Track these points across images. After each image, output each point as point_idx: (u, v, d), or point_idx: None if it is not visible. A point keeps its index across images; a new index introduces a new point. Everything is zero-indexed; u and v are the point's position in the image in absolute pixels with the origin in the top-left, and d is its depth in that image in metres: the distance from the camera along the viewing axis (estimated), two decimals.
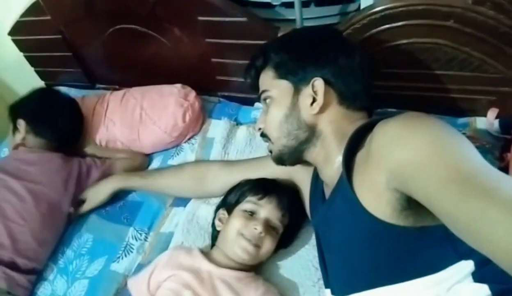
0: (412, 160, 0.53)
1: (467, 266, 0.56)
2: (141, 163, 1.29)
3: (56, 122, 1.21)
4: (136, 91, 1.37)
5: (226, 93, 1.39)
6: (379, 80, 1.09)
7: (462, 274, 0.57)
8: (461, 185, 0.47)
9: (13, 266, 1.00)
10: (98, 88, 1.59)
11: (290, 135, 0.77)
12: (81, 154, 1.29)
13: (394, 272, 0.62)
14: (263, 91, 0.80)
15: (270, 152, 0.84)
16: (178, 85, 1.33)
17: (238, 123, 1.30)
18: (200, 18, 1.16)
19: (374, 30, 0.98)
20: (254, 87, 0.85)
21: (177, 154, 1.28)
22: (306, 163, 0.83)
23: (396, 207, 0.58)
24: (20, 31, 1.49)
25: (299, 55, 0.79)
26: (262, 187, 0.90)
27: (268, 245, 0.85)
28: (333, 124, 0.75)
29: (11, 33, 1.50)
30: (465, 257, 0.56)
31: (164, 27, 1.25)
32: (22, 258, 1.02)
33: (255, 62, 0.84)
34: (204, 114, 1.34)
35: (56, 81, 1.64)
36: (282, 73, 0.78)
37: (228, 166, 1.07)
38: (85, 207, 1.15)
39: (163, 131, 1.27)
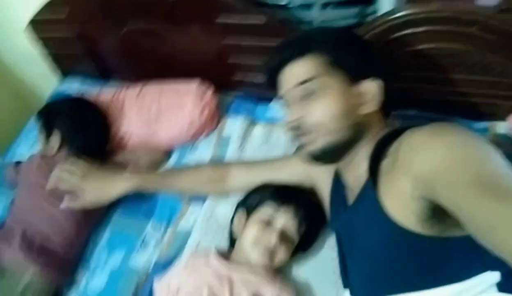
0: (437, 166, 0.55)
1: (492, 277, 0.57)
2: (161, 159, 1.30)
3: (90, 139, 1.22)
4: (152, 88, 1.38)
5: (242, 91, 1.39)
6: (400, 82, 1.10)
7: (487, 284, 0.58)
8: (482, 189, 0.49)
9: (63, 265, 1.05)
10: (112, 83, 1.59)
11: (340, 132, 0.73)
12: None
13: (417, 280, 0.63)
14: (310, 78, 0.73)
15: (303, 146, 0.77)
16: (195, 83, 1.34)
17: (255, 121, 1.31)
18: (219, 18, 1.16)
19: (395, 35, 0.99)
20: (276, 71, 0.79)
21: (193, 151, 1.29)
22: (329, 164, 0.82)
23: (421, 216, 0.59)
24: (37, 28, 1.49)
25: (358, 50, 0.78)
26: (281, 195, 0.91)
27: (282, 254, 0.87)
28: (372, 128, 0.75)
29: (27, 29, 1.51)
30: (492, 268, 0.57)
31: (182, 27, 1.25)
32: (69, 258, 1.07)
33: (296, 44, 0.77)
34: (221, 112, 1.35)
35: (70, 75, 1.65)
36: (338, 63, 0.73)
37: (247, 167, 1.07)
38: (81, 204, 1.06)
39: (179, 129, 1.28)
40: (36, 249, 1.01)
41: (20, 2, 1.49)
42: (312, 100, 0.73)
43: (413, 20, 0.94)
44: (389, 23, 0.97)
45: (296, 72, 0.75)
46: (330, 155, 0.75)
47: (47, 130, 1.21)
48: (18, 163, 1.27)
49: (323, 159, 0.77)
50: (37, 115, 1.25)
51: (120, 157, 1.30)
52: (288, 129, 0.79)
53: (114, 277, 1.04)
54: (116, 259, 1.07)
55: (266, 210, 0.90)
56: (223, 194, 1.09)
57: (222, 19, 1.16)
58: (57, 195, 1.07)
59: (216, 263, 0.88)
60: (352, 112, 0.73)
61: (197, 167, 1.16)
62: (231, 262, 0.89)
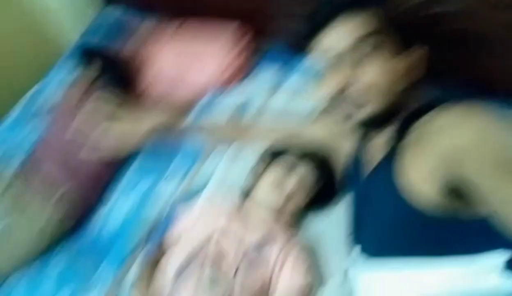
0: (466, 145, 0.57)
1: (501, 255, 0.60)
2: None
3: (122, 75, 1.28)
4: (190, 27, 1.38)
5: (280, 39, 1.37)
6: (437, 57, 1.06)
7: (492, 265, 0.61)
8: (506, 169, 0.53)
9: (96, 181, 1.14)
10: (152, 18, 1.59)
11: (398, 98, 0.69)
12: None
13: (426, 249, 0.66)
14: (374, 33, 0.67)
15: (358, 109, 0.70)
16: (232, 27, 1.33)
17: (289, 73, 1.30)
18: None
19: (433, 11, 0.94)
20: (324, 22, 0.71)
21: (223, 97, 1.29)
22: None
23: (440, 193, 0.60)
24: None
25: (411, 14, 0.78)
26: (303, 149, 0.95)
27: (296, 201, 0.91)
28: (412, 97, 0.73)
29: None
30: (504, 246, 0.60)
31: None
32: (104, 174, 1.16)
33: None
34: (256, 59, 1.34)
35: (113, 3, 1.65)
36: (392, 26, 0.69)
37: (271, 123, 1.09)
38: (118, 131, 1.09)
39: (212, 72, 1.29)
40: (70, 168, 1.10)
41: None
42: (370, 59, 0.67)
43: None
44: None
45: (353, 25, 0.68)
46: (381, 122, 0.71)
47: (85, 63, 1.26)
48: (52, 93, 1.34)
49: (374, 125, 0.72)
50: (77, 48, 1.30)
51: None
52: (332, 88, 0.71)
53: (142, 200, 1.12)
54: (145, 184, 1.15)
55: (290, 158, 0.94)
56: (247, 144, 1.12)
57: None
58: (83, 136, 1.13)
59: (232, 205, 0.94)
60: (403, 77, 0.70)
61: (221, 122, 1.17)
62: (246, 207, 0.94)
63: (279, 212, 0.92)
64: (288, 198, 0.91)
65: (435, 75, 1.03)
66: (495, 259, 0.61)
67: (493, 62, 1.02)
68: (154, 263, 0.90)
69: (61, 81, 1.42)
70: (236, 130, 1.11)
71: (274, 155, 0.99)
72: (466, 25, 0.96)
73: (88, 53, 1.28)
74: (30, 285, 1.01)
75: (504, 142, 0.56)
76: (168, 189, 1.13)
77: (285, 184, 0.91)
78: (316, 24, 0.72)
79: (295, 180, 0.91)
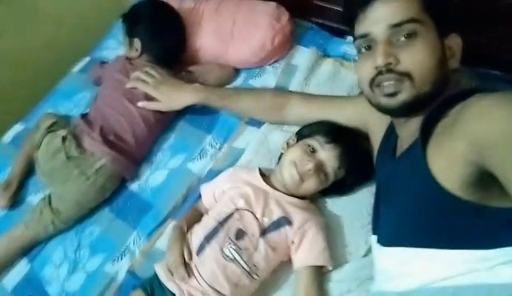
0: (496, 132, 0.54)
1: None
2: (231, 76, 1.36)
3: (167, 44, 1.30)
4: (231, 4, 1.38)
5: (320, 20, 1.35)
6: (488, 39, 1.01)
7: (509, 257, 0.59)
8: None
9: (132, 159, 1.19)
10: None
11: (428, 85, 0.68)
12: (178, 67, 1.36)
13: (444, 239, 0.64)
14: (413, 20, 0.67)
15: (395, 94, 0.70)
16: (273, 4, 1.32)
17: (326, 55, 1.29)
18: None
19: None
20: (364, 4, 0.70)
21: (260, 76, 1.32)
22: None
23: (467, 180, 0.59)
24: None
25: (448, 2, 0.74)
26: (334, 133, 0.94)
27: (311, 183, 0.91)
28: (449, 85, 0.72)
29: None
30: None
31: None
32: (139, 153, 1.21)
33: None
34: (293, 40, 1.33)
35: None
36: (433, 11, 0.68)
37: (307, 100, 1.09)
38: (154, 107, 1.19)
39: (250, 51, 1.30)
40: (110, 142, 1.16)
41: None
42: (409, 44, 0.67)
43: None
44: None
45: (392, 11, 0.68)
46: (420, 107, 0.70)
47: (130, 35, 1.31)
48: (103, 63, 1.42)
49: (413, 110, 0.72)
50: (122, 20, 1.35)
51: (192, 68, 1.37)
52: (371, 72, 0.71)
53: (172, 175, 1.17)
54: (176, 161, 1.20)
55: (314, 141, 0.93)
56: (279, 122, 1.13)
57: None
58: (135, 94, 1.21)
59: (257, 178, 0.96)
60: (443, 65, 0.69)
61: (260, 91, 1.21)
62: (270, 181, 0.96)
63: (296, 191, 0.92)
64: (302, 178, 0.90)
65: (476, 60, 1.00)
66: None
67: None
68: (187, 226, 0.94)
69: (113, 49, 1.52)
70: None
71: (301, 135, 0.99)
72: None
73: (130, 29, 1.32)
74: (66, 250, 1.10)
75: None
76: (197, 167, 1.17)
77: (301, 164, 0.90)
78: (353, 8, 0.73)
79: (313, 162, 0.90)
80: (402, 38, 0.67)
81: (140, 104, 1.20)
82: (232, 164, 1.11)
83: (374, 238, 0.82)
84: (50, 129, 1.20)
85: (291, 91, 1.19)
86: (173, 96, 1.19)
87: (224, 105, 1.18)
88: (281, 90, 1.21)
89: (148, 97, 1.21)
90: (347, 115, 1.00)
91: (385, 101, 0.72)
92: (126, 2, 1.63)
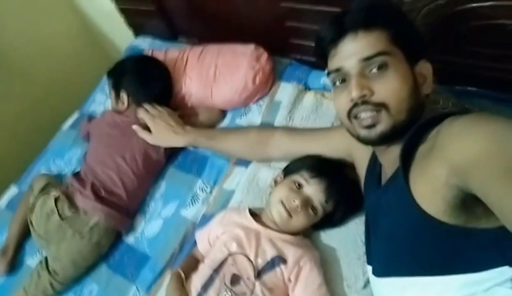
0: (475, 155, 0.54)
1: (510, 271, 0.58)
2: (218, 117, 1.38)
3: (154, 93, 1.33)
4: (212, 48, 1.43)
5: (298, 56, 1.39)
6: (461, 58, 1.04)
7: (503, 278, 0.58)
8: None
9: (125, 212, 1.20)
10: (180, 41, 1.68)
11: (411, 112, 0.70)
12: None
13: (436, 265, 0.64)
14: (382, 52, 0.68)
15: (374, 125, 0.71)
16: (252, 46, 1.36)
17: (307, 88, 1.31)
18: None
19: (460, 8, 0.91)
20: (334, 41, 0.72)
21: (245, 114, 1.35)
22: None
23: (451, 204, 0.59)
24: None
25: (414, 30, 0.76)
26: (318, 167, 0.94)
27: (300, 219, 0.91)
28: (423, 111, 0.73)
29: None
30: (510, 263, 0.57)
31: None
32: (131, 205, 1.22)
33: (359, 15, 0.71)
34: (274, 76, 1.37)
35: (142, 32, 1.77)
36: (400, 40, 0.70)
37: (290, 134, 1.10)
38: (145, 136, 1.25)
39: (233, 92, 1.33)
40: (102, 198, 1.17)
41: None
42: (382, 75, 0.69)
43: None
44: None
45: (362, 46, 0.69)
46: (398, 135, 0.71)
47: (116, 89, 1.34)
48: (91, 118, 1.45)
49: (391, 139, 0.72)
50: (107, 75, 1.39)
51: (180, 113, 1.40)
52: (347, 104, 0.72)
53: (167, 224, 1.18)
54: (169, 209, 1.21)
55: (299, 177, 0.94)
56: (265, 159, 1.14)
57: None
58: (125, 147, 1.25)
59: (248, 219, 0.96)
60: (416, 92, 0.71)
61: (245, 129, 1.23)
62: (261, 220, 0.96)
63: (287, 228, 0.92)
64: (291, 214, 0.90)
65: (452, 78, 1.03)
66: (507, 272, 0.58)
67: None
68: (184, 276, 0.94)
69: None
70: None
71: (288, 171, 1.00)
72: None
73: (116, 83, 1.35)
74: None
75: None
76: (190, 213, 1.18)
77: (289, 201, 0.91)
78: (324, 45, 0.75)
79: (300, 198, 0.90)
80: (374, 70, 0.69)
81: (134, 126, 1.24)
82: (224, 206, 1.12)
83: (369, 268, 0.82)
84: (43, 191, 1.22)
85: (275, 127, 1.20)
86: (165, 135, 1.24)
87: (211, 145, 1.21)
88: (265, 127, 1.23)
89: (138, 149, 1.23)
90: (331, 146, 1.01)
91: (364, 133, 0.73)
92: (111, 56, 1.71)
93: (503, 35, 0.92)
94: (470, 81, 1.07)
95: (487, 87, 1.05)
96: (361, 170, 0.93)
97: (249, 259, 0.88)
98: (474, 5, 0.89)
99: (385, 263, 0.76)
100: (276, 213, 0.92)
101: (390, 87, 0.69)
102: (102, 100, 1.59)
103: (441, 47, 1.02)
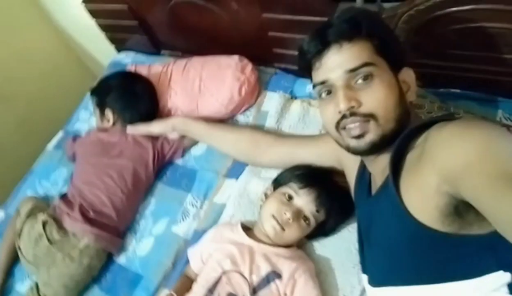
0: (464, 161, 0.55)
1: (505, 277, 0.58)
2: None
3: (140, 110, 1.32)
4: (196, 61, 1.42)
5: (282, 65, 1.39)
6: (443, 61, 1.06)
7: (498, 284, 0.58)
8: (507, 182, 0.49)
9: (115, 232, 1.18)
10: (163, 54, 1.67)
11: (398, 120, 0.70)
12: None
13: (430, 274, 0.64)
14: (367, 63, 0.69)
15: (362, 135, 0.71)
16: (236, 58, 1.36)
17: (293, 97, 1.31)
18: None
19: (439, 13, 0.92)
20: (318, 53, 0.72)
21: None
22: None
23: (444, 212, 0.59)
24: (92, 0, 1.58)
25: (395, 39, 0.77)
26: (307, 177, 0.94)
27: (293, 231, 0.91)
28: (410, 119, 0.74)
29: (84, 1, 1.60)
30: (506, 268, 0.57)
31: (221, 1, 1.26)
32: (121, 224, 1.20)
33: (342, 27, 0.71)
34: (260, 86, 1.36)
35: (124, 47, 1.75)
36: (384, 50, 0.71)
37: (281, 140, 1.11)
38: (140, 129, 1.27)
39: (220, 104, 1.32)
40: (91, 219, 1.15)
41: None
42: (368, 86, 0.69)
43: None
44: (433, 0, 0.90)
45: (346, 58, 0.70)
46: (386, 144, 0.71)
47: (101, 107, 1.33)
48: (75, 137, 1.42)
49: (380, 148, 0.72)
50: (91, 93, 1.37)
51: None
52: (335, 116, 0.72)
53: (158, 242, 1.16)
54: (160, 226, 1.19)
55: (289, 188, 0.93)
56: (255, 162, 1.14)
57: None
58: (112, 165, 1.24)
59: (240, 234, 0.95)
60: (402, 100, 0.71)
61: (240, 127, 1.25)
62: (254, 235, 0.95)
63: (280, 241, 0.92)
64: (283, 227, 0.90)
65: (437, 81, 1.04)
66: (502, 277, 0.58)
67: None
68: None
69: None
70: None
71: (277, 183, 0.99)
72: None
73: (101, 101, 1.34)
74: None
75: (504, 153, 0.54)
76: (181, 230, 1.16)
77: (280, 214, 0.90)
78: (308, 58, 0.75)
79: (291, 210, 0.90)
80: (360, 81, 0.69)
81: (128, 129, 1.25)
82: (215, 220, 1.11)
83: (365, 277, 0.82)
84: (30, 214, 1.19)
85: (267, 131, 1.20)
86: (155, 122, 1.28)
87: (205, 132, 1.22)
88: (259, 129, 1.22)
89: (126, 167, 1.22)
90: (321, 153, 1.01)
91: (353, 143, 0.73)
92: (94, 72, 1.69)
93: (483, 37, 0.93)
94: (454, 83, 1.08)
95: (471, 89, 1.06)
96: (351, 177, 0.93)
97: (243, 276, 0.87)
98: (453, 9, 0.90)
99: (380, 272, 0.76)
100: (269, 227, 0.91)
101: (377, 98, 0.69)
102: (86, 118, 1.57)
103: (423, 52, 1.04)
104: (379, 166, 0.75)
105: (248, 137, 1.14)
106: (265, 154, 1.10)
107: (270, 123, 1.25)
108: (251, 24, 1.28)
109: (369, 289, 0.79)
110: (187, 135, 1.29)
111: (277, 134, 1.17)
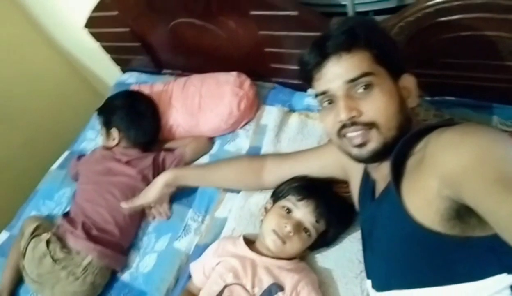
0: (464, 165, 0.55)
1: (507, 279, 0.58)
2: (206, 145, 1.39)
3: (144, 129, 1.36)
4: (196, 79, 1.46)
5: (280, 79, 1.42)
6: (437, 69, 1.07)
7: (502, 285, 0.58)
8: (506, 185, 0.50)
9: (119, 249, 1.19)
10: (165, 73, 1.71)
11: (400, 127, 0.71)
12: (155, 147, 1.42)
13: (433, 277, 0.64)
14: (367, 73, 0.70)
15: (364, 143, 0.72)
16: (234, 74, 1.39)
17: (291, 110, 1.33)
18: (252, 12, 1.18)
19: (429, 23, 0.95)
20: (317, 64, 0.73)
21: (233, 140, 1.36)
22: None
23: (445, 215, 0.60)
24: (94, 25, 1.64)
25: (394, 46, 0.78)
26: (304, 189, 0.94)
27: (295, 244, 0.90)
28: (412, 125, 0.74)
29: (86, 26, 1.65)
30: (509, 270, 0.58)
31: (219, 20, 1.30)
32: (124, 242, 1.21)
33: (340, 38, 0.71)
34: (259, 101, 1.39)
35: (128, 67, 1.80)
36: (382, 58, 0.71)
37: (282, 158, 1.10)
38: (135, 202, 1.17)
39: (220, 119, 1.35)
40: (94, 237, 1.16)
41: (75, 3, 1.64)
42: (368, 95, 0.70)
43: (447, 9, 0.89)
44: (422, 11, 0.93)
45: (346, 68, 0.70)
46: (388, 152, 0.71)
47: (107, 126, 1.36)
48: (80, 157, 1.45)
49: (382, 156, 0.73)
50: (97, 113, 1.41)
51: (168, 145, 1.42)
52: (336, 125, 0.73)
53: (161, 258, 1.16)
54: (162, 243, 1.20)
55: (287, 201, 0.94)
56: (259, 186, 1.12)
57: (256, 12, 1.18)
58: (114, 183, 1.25)
59: (242, 247, 0.95)
60: (403, 107, 0.72)
61: (235, 158, 1.22)
62: (256, 248, 0.95)
63: (283, 254, 0.92)
64: (284, 241, 0.90)
65: (432, 89, 1.05)
66: (505, 279, 0.58)
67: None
68: None
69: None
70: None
71: (276, 197, 1.00)
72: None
73: (107, 120, 1.37)
74: None
75: (504, 157, 0.54)
76: (183, 245, 1.17)
77: (280, 227, 0.90)
78: (307, 69, 0.76)
79: (291, 223, 0.90)
80: (360, 90, 0.70)
81: (123, 205, 1.17)
82: (217, 234, 1.11)
83: (369, 282, 0.81)
84: (34, 234, 1.20)
85: (264, 155, 1.19)
86: (147, 189, 1.18)
87: (202, 178, 1.17)
88: (255, 155, 1.22)
89: (128, 184, 1.24)
90: (324, 163, 1.00)
91: (356, 151, 0.74)
92: (101, 92, 1.72)
93: (473, 45, 0.95)
94: (448, 90, 1.09)
95: (465, 96, 1.08)
96: (355, 185, 0.93)
97: (245, 289, 0.87)
98: (443, 19, 0.92)
99: (383, 276, 0.76)
100: (270, 241, 0.91)
101: (377, 106, 0.70)
102: (93, 138, 1.60)
103: (415, 61, 1.05)
104: (382, 172, 0.76)
105: (247, 167, 1.12)
106: (268, 176, 1.09)
107: (269, 136, 1.26)
108: (248, 41, 1.31)
109: (374, 294, 0.79)
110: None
111: (276, 156, 1.14)
